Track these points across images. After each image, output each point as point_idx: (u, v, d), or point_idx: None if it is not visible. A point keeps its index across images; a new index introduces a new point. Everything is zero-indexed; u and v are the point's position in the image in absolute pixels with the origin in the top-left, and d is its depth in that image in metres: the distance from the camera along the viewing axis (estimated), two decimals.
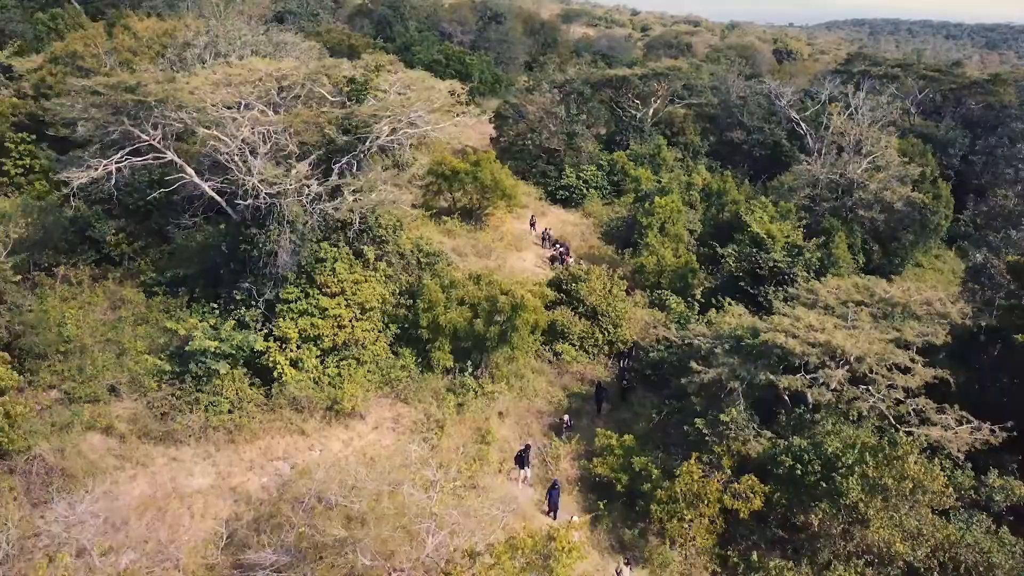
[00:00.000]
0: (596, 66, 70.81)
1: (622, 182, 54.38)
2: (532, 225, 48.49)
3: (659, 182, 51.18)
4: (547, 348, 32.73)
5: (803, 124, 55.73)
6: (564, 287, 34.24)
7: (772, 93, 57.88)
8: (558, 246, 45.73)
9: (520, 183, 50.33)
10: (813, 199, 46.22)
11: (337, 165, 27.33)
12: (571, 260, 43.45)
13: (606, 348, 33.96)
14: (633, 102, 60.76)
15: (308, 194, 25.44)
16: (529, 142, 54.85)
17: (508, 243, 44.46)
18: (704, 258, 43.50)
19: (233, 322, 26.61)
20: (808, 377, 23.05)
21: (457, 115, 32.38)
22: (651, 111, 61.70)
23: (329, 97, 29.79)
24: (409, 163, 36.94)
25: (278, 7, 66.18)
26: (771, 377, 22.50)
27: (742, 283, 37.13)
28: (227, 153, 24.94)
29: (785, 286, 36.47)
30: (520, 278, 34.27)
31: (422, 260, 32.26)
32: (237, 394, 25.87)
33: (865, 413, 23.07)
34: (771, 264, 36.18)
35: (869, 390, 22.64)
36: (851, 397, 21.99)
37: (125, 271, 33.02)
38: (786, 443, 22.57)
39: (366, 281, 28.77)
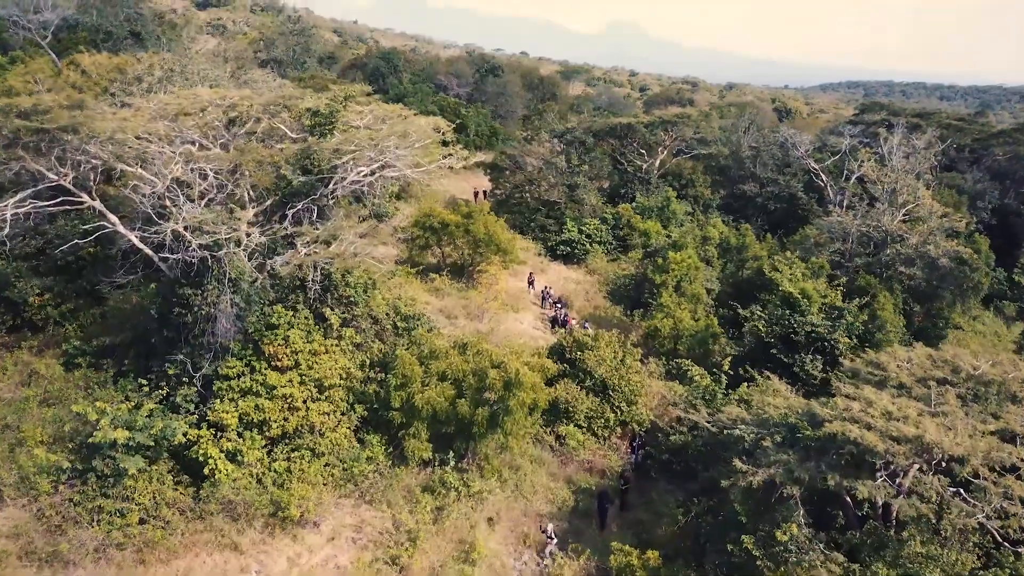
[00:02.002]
0: (600, 114, 67.36)
1: (628, 237, 49.95)
2: (530, 283, 43.68)
3: (669, 236, 46.72)
4: (548, 430, 27.29)
5: (823, 175, 51.59)
6: (568, 356, 29.03)
7: (788, 142, 53.97)
8: (559, 305, 40.84)
9: (517, 237, 45.77)
10: (843, 254, 41.55)
11: (292, 211, 22.52)
12: (574, 322, 38.44)
13: (618, 430, 28.52)
14: (639, 152, 56.85)
15: (248, 245, 20.49)
16: (527, 194, 50.64)
17: (503, 303, 39.48)
18: (724, 321, 38.51)
19: (153, 405, 21.32)
20: (886, 478, 17.67)
21: (443, 156, 27.83)
22: (657, 162, 57.79)
23: (291, 134, 25.29)
24: (389, 213, 32.41)
25: (260, 55, 63.26)
26: (845, 483, 17.06)
27: (774, 351, 31.97)
28: (153, 194, 20.17)
29: (825, 354, 31.45)
30: (516, 344, 29.10)
31: (399, 324, 27.18)
32: (154, 498, 20.37)
33: (964, 527, 17.56)
34: (808, 329, 31.07)
35: (971, 500, 17.20)
36: (957, 511, 16.49)
37: (48, 338, 27.97)
38: (868, 572, 16.99)
39: (326, 352, 23.63)
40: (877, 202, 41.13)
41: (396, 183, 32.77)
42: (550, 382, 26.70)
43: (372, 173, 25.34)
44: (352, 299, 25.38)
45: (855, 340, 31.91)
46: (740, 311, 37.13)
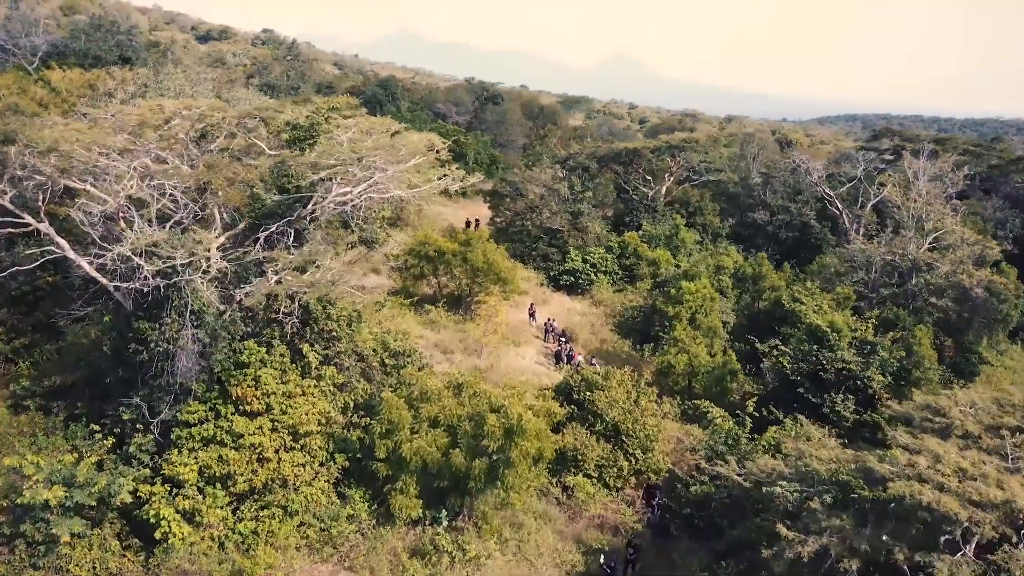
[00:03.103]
0: (604, 140, 65.31)
1: (635, 266, 47.38)
2: (531, 315, 40.94)
3: (678, 266, 44.19)
4: (555, 481, 24.32)
5: (838, 202, 49.27)
6: (576, 396, 26.17)
7: (802, 167, 51.69)
8: (563, 339, 38.07)
9: (518, 266, 43.16)
10: (866, 284, 38.92)
11: (265, 234, 19.90)
12: (580, 357, 35.64)
13: (632, 480, 25.52)
14: (644, 179, 54.58)
15: (208, 271, 17.82)
16: (528, 222, 48.20)
17: (503, 337, 36.73)
18: (740, 356, 35.70)
19: (101, 455, 18.48)
20: (960, 549, 14.76)
21: (439, 177, 25.33)
22: (663, 189, 55.51)
23: (268, 151, 22.80)
24: (380, 240, 29.84)
25: (253, 81, 61.49)
26: (918, 557, 14.13)
27: (801, 390, 29.13)
28: (102, 214, 17.61)
29: (858, 394, 28.63)
30: (517, 382, 26.22)
31: (387, 362, 24.38)
32: (95, 568, 17.43)
33: None
34: (840, 366, 28.28)
35: None
36: None
37: None
38: None
39: (303, 394, 20.81)
40: (902, 229, 38.62)
41: (387, 207, 30.26)
42: (557, 427, 23.85)
43: (360, 194, 22.83)
44: (334, 334, 22.61)
45: (889, 378, 29.10)
46: (758, 345, 34.44)
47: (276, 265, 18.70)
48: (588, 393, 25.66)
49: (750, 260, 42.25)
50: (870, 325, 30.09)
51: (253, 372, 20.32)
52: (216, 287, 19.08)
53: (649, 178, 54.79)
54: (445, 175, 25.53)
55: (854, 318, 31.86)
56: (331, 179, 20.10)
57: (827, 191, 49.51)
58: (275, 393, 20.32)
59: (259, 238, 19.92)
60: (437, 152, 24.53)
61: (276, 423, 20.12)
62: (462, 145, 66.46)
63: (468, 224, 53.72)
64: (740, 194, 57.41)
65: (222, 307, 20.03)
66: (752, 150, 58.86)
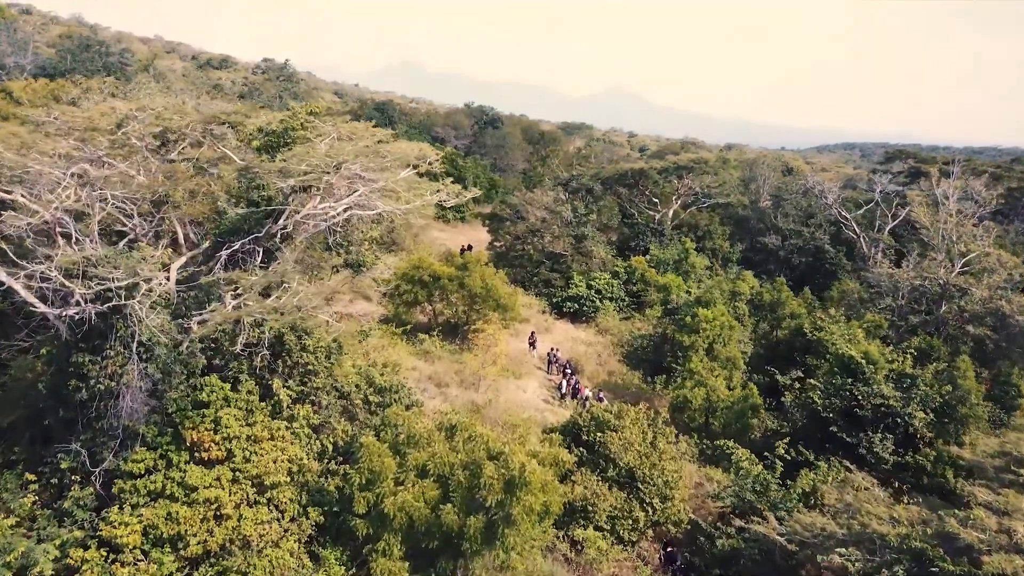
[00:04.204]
0: (608, 163, 63.09)
1: (643, 292, 44.78)
2: (532, 345, 38.15)
3: (688, 292, 41.50)
4: (562, 535, 21.31)
5: (855, 225, 46.78)
6: (585, 437, 23.26)
7: (816, 190, 49.31)
8: (568, 371, 35.24)
9: (519, 292, 40.48)
10: (893, 311, 36.19)
11: (227, 253, 17.22)
12: (587, 391, 32.79)
13: (649, 532, 22.48)
14: (651, 202, 52.16)
15: (151, 294, 15.11)
16: (529, 246, 45.67)
17: (503, 368, 33.87)
18: (759, 389, 32.84)
19: (13, 520, 15.57)
20: None
21: (434, 192, 22.73)
22: (670, 213, 53.09)
23: (239, 160, 20.22)
24: (368, 263, 27.20)
25: (245, 102, 59.66)
26: None
27: (833, 428, 26.24)
28: (29, 228, 14.95)
29: (896, 433, 25.76)
30: (519, 421, 23.23)
31: (372, 399, 21.53)
32: None
33: None
34: (878, 401, 25.43)
35: None
36: None
37: None
38: None
39: (271, 438, 17.94)
40: (931, 251, 36.01)
41: (376, 227, 27.73)
42: (565, 474, 20.89)
43: (345, 209, 20.23)
44: (311, 367, 19.82)
45: (932, 415, 26.23)
46: (779, 378, 31.64)
47: (236, 288, 15.98)
48: (599, 434, 22.74)
49: (766, 286, 39.56)
50: (908, 356, 27.28)
51: (213, 413, 17.48)
52: (169, 314, 16.33)
53: (655, 201, 52.42)
54: (439, 190, 22.94)
55: (888, 349, 29.08)
56: (305, 190, 17.48)
57: (843, 214, 47.06)
58: (238, 437, 17.45)
59: (221, 256, 17.21)
60: (430, 164, 21.94)
61: (238, 472, 17.22)
62: (461, 168, 64.31)
63: (463, 250, 51.23)
64: (750, 218, 55.05)
65: (179, 337, 17.26)
66: (763, 172, 56.57)
